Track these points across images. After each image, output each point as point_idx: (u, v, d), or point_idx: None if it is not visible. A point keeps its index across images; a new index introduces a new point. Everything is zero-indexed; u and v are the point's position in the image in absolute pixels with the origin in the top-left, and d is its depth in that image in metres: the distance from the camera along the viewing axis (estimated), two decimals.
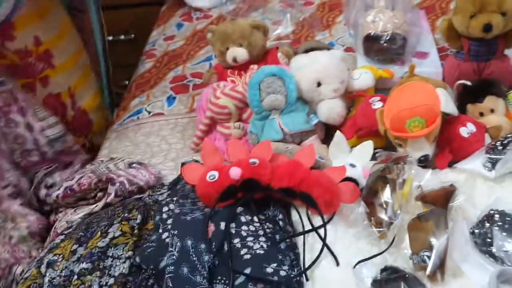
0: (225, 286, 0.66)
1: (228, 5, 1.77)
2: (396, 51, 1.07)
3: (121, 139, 1.19)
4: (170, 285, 0.65)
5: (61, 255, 0.79)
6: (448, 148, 0.86)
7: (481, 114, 0.92)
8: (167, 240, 0.70)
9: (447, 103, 0.85)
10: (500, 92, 0.92)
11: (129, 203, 0.86)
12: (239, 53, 1.11)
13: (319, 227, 0.72)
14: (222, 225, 0.71)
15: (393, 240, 0.71)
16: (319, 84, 0.96)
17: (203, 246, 0.69)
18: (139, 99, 1.34)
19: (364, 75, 1.00)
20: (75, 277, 0.72)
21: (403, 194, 0.76)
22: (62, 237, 0.83)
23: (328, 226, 0.73)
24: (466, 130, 0.85)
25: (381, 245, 0.72)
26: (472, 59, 1.00)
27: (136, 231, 0.78)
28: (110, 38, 2.35)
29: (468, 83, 0.94)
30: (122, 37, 2.36)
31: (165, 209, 0.76)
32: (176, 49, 1.54)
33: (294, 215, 0.77)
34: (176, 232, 0.70)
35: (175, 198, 0.77)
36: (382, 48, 1.07)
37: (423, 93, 0.84)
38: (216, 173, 0.74)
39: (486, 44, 0.98)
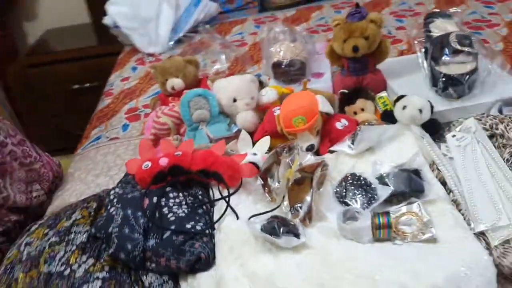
0: (156, 240, 0.91)
1: (175, 49, 2.08)
2: (295, 72, 1.37)
3: (84, 160, 1.45)
4: (116, 241, 0.90)
5: (36, 238, 1.03)
6: (328, 138, 1.14)
7: (355, 113, 1.21)
8: (113, 212, 0.96)
9: (323, 105, 1.13)
10: (368, 96, 1.21)
11: (87, 198, 1.11)
12: (175, 82, 1.40)
13: (227, 196, 0.99)
14: (155, 199, 0.97)
15: (281, 202, 0.97)
16: (234, 100, 1.24)
17: (139, 213, 0.94)
18: (98, 128, 1.60)
19: (269, 92, 1.28)
20: (47, 247, 0.96)
21: (290, 172, 1.03)
22: (36, 226, 1.07)
23: (235, 196, 1.00)
24: (340, 124, 1.14)
25: (273, 206, 0.98)
26: (352, 74, 1.31)
27: (92, 213, 1.03)
28: (76, 86, 2.64)
29: (346, 91, 1.24)
30: (88, 85, 2.63)
31: (112, 192, 1.02)
32: (131, 87, 1.83)
33: (211, 192, 1.03)
34: (119, 205, 0.95)
35: (119, 185, 1.03)
36: (284, 71, 1.37)
37: (303, 98, 1.13)
38: (149, 163, 1.01)
39: (359, 62, 1.29)
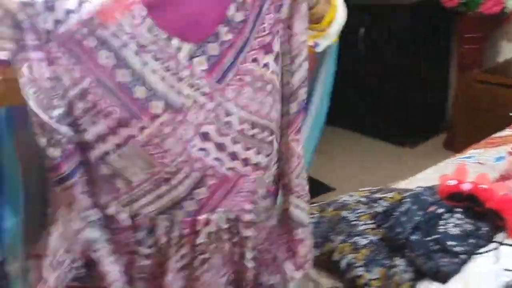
0: (418, 237, 1.07)
1: None
2: None
3: (445, 167, 1.63)
4: (391, 222, 1.12)
5: (358, 195, 1.34)
6: None
7: None
8: (404, 201, 1.16)
9: None
10: None
11: (408, 190, 1.33)
12: None
13: (502, 243, 1.01)
14: (440, 210, 1.11)
15: None
16: None
17: (420, 212, 1.10)
18: (477, 150, 1.72)
19: None
20: (354, 202, 1.27)
21: None
22: (363, 189, 1.38)
23: None
24: None
25: None
26: None
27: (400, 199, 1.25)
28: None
29: None
30: None
31: (415, 188, 1.21)
32: None
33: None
34: (410, 199, 1.15)
35: (425, 187, 1.21)
36: None
37: None
38: (454, 182, 1.13)
39: None
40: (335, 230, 1.21)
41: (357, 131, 3.69)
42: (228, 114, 0.67)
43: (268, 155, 0.72)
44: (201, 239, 0.69)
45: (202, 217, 0.69)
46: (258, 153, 0.71)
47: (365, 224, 1.19)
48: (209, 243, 0.70)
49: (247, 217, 0.72)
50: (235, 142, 0.68)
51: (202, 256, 0.70)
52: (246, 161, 0.70)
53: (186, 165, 0.66)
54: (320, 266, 1.20)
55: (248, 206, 0.72)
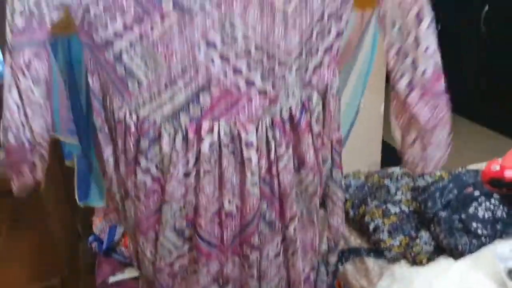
0: (446, 215, 1.08)
1: None
2: None
3: None
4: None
5: None
6: None
7: None
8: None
9: None
10: None
11: None
12: None
13: None
14: (476, 193, 1.10)
15: None
16: None
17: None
18: None
19: None
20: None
21: None
22: None
23: None
24: None
25: None
26: None
27: None
28: None
29: None
30: None
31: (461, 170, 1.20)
32: None
33: None
34: (450, 178, 1.15)
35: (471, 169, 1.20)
36: None
37: None
38: (497, 167, 1.11)
39: None
40: (374, 195, 1.26)
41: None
42: (232, 26, 0.68)
43: (275, 87, 0.72)
44: (205, 147, 0.73)
45: (205, 123, 0.72)
46: (263, 79, 0.71)
47: (403, 194, 1.23)
48: (211, 154, 0.73)
49: (249, 137, 0.73)
50: (238, 57, 0.69)
51: (203, 168, 0.74)
52: (249, 83, 0.71)
53: (192, 68, 0.70)
54: (353, 226, 1.27)
55: (250, 127, 0.73)
